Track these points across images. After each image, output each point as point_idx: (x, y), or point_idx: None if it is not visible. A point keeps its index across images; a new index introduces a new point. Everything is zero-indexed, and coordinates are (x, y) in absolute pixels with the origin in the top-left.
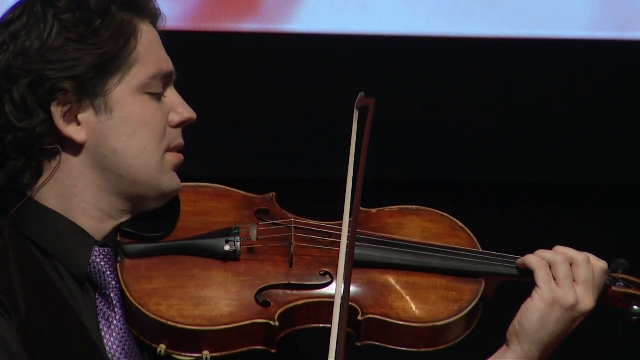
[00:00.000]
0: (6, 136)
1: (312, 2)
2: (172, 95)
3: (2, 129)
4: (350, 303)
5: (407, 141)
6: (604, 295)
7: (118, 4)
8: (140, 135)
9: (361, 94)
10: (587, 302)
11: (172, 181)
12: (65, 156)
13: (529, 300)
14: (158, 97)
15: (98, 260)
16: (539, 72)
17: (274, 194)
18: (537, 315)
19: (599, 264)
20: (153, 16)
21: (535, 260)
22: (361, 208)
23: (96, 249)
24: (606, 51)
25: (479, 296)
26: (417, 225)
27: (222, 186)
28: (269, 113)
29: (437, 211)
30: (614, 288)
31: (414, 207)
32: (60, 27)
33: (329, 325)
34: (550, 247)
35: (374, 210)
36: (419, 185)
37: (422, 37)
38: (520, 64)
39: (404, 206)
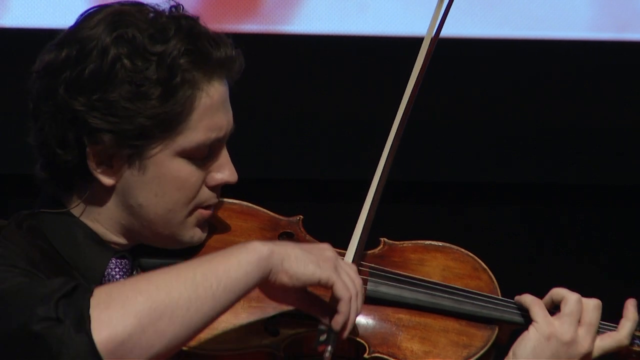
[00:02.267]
0: (42, 149)
1: (312, 3)
2: (218, 156)
3: (40, 142)
4: (358, 339)
5: (407, 141)
6: (619, 352)
7: (185, 65)
8: (169, 197)
9: None
10: (584, 344)
11: (192, 237)
12: (93, 188)
13: (525, 332)
14: (201, 160)
15: (114, 272)
16: (539, 73)
17: (301, 217)
18: (531, 345)
19: (624, 341)
20: (226, 68)
21: (529, 299)
22: (386, 240)
23: (113, 260)
24: (606, 52)
25: (489, 343)
26: (439, 263)
27: (250, 204)
28: (269, 114)
29: (462, 250)
30: (629, 346)
31: (440, 243)
32: (117, 74)
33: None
34: (549, 247)
35: (398, 243)
36: (419, 185)
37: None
38: (521, 64)
39: (429, 241)
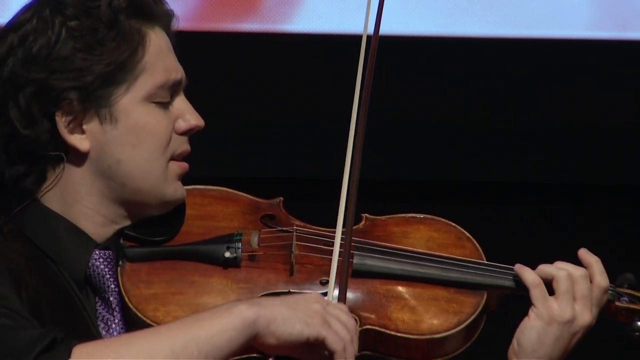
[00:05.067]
0: (10, 142)
1: (312, 2)
2: (180, 102)
3: (7, 135)
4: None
5: (407, 141)
6: (607, 310)
7: (126, 11)
8: (144, 145)
9: None
10: (584, 317)
11: (175, 190)
12: (68, 163)
13: (525, 319)
14: (165, 105)
15: (98, 263)
16: (538, 72)
17: (281, 198)
18: (534, 333)
19: (602, 283)
20: (164, 21)
21: (531, 278)
22: (367, 215)
23: (96, 251)
24: (606, 51)
25: (479, 309)
26: (423, 235)
27: (229, 190)
28: (269, 113)
29: (444, 220)
30: (617, 303)
31: (422, 215)
32: (67, 36)
33: None
34: (549, 247)
35: (380, 218)
36: (419, 185)
37: (422, 37)
38: (520, 64)
39: (411, 214)
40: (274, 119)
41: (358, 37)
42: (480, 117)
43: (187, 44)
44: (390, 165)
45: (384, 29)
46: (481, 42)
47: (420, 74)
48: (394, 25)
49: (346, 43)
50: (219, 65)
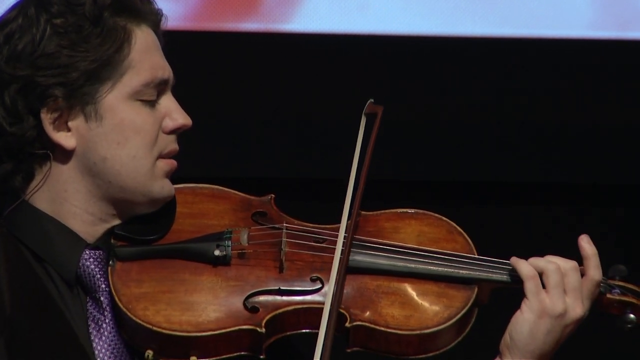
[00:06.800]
0: None
1: (313, 2)
2: (167, 101)
3: None
4: (338, 309)
5: (407, 141)
6: (599, 303)
7: (112, 9)
8: (130, 143)
9: (370, 101)
10: (576, 310)
11: (162, 188)
12: (55, 161)
13: (518, 313)
14: (151, 103)
15: (88, 263)
16: (539, 72)
17: (273, 195)
18: (526, 327)
19: (595, 276)
20: (152, 19)
21: (525, 270)
22: (359, 211)
23: (87, 251)
24: (606, 51)
25: (470, 303)
26: (414, 230)
27: (220, 187)
28: (269, 113)
29: (436, 215)
30: (609, 295)
31: (412, 210)
32: (52, 33)
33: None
34: (549, 247)
35: (371, 213)
36: (419, 185)
37: (422, 37)
38: (520, 64)
39: (402, 209)
40: (273, 118)
41: (358, 37)
42: (480, 117)
43: (188, 44)
44: (390, 165)
45: (385, 29)
46: (482, 42)
47: (420, 74)
48: (394, 25)
49: (346, 43)
50: (219, 65)
